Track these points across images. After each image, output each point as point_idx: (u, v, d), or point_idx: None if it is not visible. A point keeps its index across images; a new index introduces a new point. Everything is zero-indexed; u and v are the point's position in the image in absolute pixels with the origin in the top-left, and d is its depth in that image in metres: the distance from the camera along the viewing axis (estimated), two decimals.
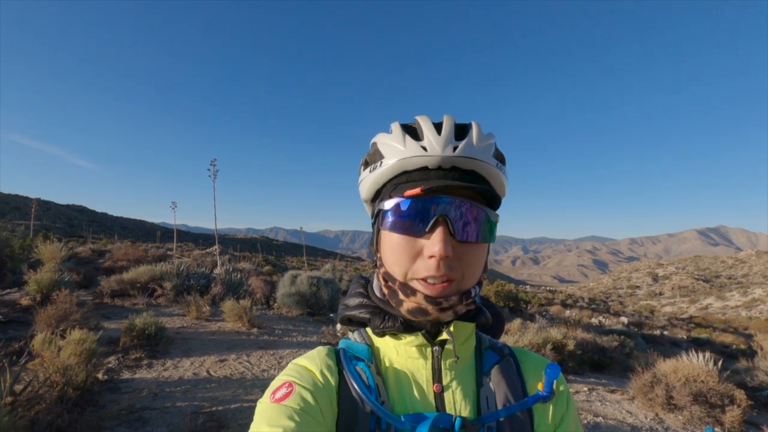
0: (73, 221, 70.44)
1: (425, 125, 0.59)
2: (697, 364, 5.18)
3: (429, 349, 0.62)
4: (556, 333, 6.89)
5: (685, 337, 17.60)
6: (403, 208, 0.56)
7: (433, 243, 0.54)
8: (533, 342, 6.45)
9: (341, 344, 0.69)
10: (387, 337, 0.64)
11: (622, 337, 11.51)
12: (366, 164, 0.65)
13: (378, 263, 0.63)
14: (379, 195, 0.64)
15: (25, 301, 6.44)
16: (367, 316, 0.64)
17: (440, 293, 0.55)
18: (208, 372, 4.59)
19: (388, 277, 0.60)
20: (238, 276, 10.16)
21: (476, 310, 0.65)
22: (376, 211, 0.63)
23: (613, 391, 5.54)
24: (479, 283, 0.61)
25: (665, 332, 19.10)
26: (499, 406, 0.61)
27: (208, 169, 18.20)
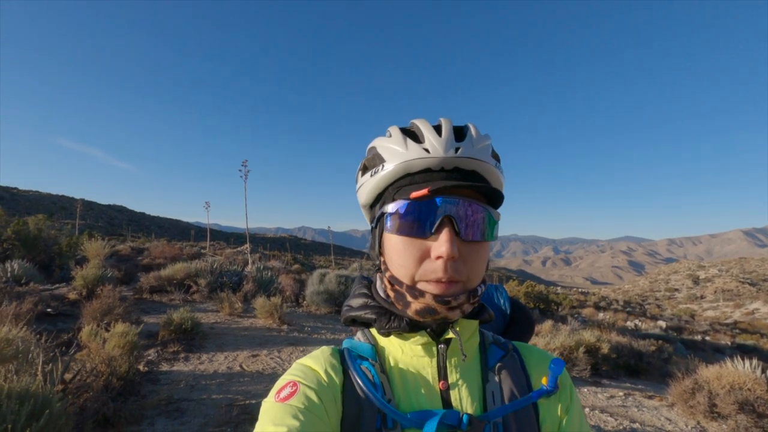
0: (114, 220, 74.03)
1: (425, 128, 0.60)
2: (743, 371, 4.91)
3: (434, 347, 0.62)
4: (589, 336, 6.69)
5: (729, 343, 16.71)
6: (409, 210, 0.56)
7: (440, 244, 0.54)
8: (565, 344, 6.29)
9: (345, 344, 0.69)
10: (392, 337, 0.64)
11: (660, 341, 11.06)
12: (365, 169, 0.65)
13: (382, 267, 0.63)
14: (379, 199, 0.64)
15: (72, 296, 6.83)
16: (373, 316, 0.63)
17: (448, 292, 0.55)
18: (241, 366, 4.74)
19: (393, 281, 0.59)
20: (269, 274, 10.40)
21: (479, 307, 0.65)
22: (377, 215, 0.63)
23: (650, 397, 5.32)
24: (483, 282, 0.61)
25: (707, 337, 18.20)
26: (505, 401, 0.61)
27: (240, 170, 18.73)
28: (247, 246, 22.53)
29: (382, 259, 0.63)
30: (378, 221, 0.63)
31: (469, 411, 0.59)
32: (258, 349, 5.41)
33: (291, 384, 0.58)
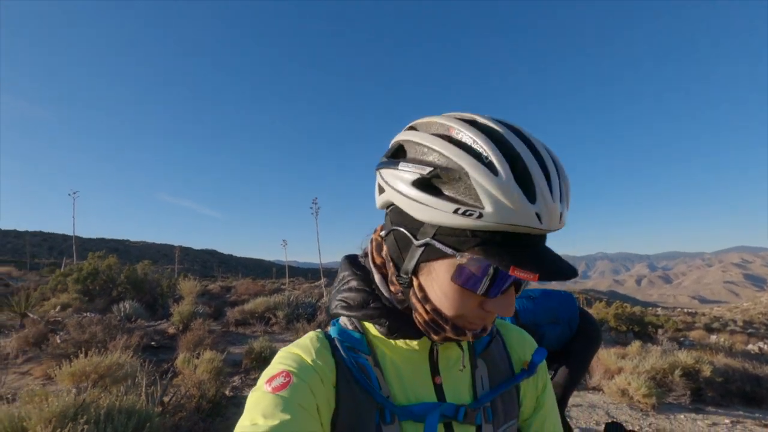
0: (206, 263, 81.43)
1: (540, 180, 0.47)
2: None
3: (430, 344, 0.62)
4: (686, 357, 5.99)
5: None
6: (491, 274, 0.49)
7: (505, 306, 0.53)
8: (657, 367, 5.69)
9: (333, 332, 0.65)
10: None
11: None
12: (437, 181, 0.50)
13: (418, 294, 0.55)
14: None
15: (171, 330, 7.69)
16: (383, 320, 0.59)
17: (484, 333, 0.58)
18: None
19: (438, 315, 0.54)
20: None
21: None
22: (425, 243, 0.52)
23: (766, 426, 4.60)
24: None
25: None
26: (492, 385, 0.65)
27: (311, 207, 19.85)
28: (322, 280, 23.52)
29: (417, 282, 0.56)
30: (426, 246, 0.52)
31: (462, 399, 0.62)
32: None
33: (284, 374, 0.55)
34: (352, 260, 0.69)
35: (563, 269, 0.47)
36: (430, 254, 0.52)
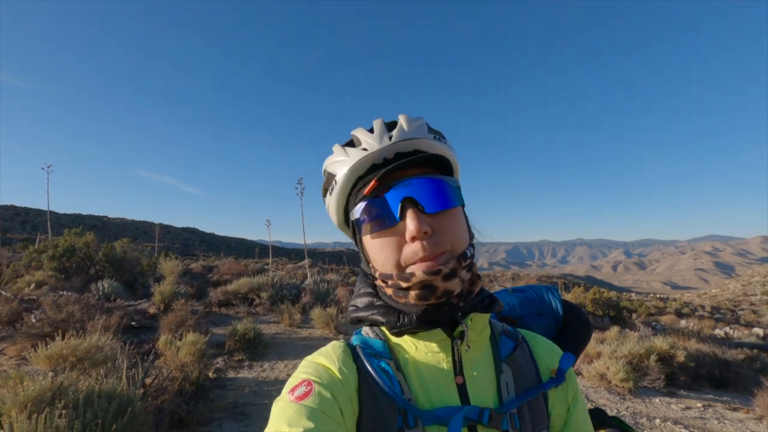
0: (188, 242, 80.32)
1: (360, 133, 0.63)
2: None
3: (449, 343, 0.62)
4: (661, 343, 6.19)
5: None
6: (368, 207, 0.59)
7: (408, 225, 0.55)
8: (634, 352, 5.88)
9: (355, 340, 0.68)
10: (405, 335, 0.63)
11: (755, 350, 9.90)
12: (325, 192, 0.67)
13: (372, 272, 0.64)
14: (348, 213, 0.66)
15: (152, 310, 7.54)
16: (381, 318, 0.62)
17: (436, 264, 0.55)
18: None
19: (385, 277, 0.60)
20: (326, 286, 10.76)
21: (489, 300, 0.64)
22: (352, 227, 0.66)
23: (735, 409, 4.80)
24: (472, 245, 0.63)
25: None
26: (518, 392, 0.62)
27: (296, 188, 19.63)
28: (306, 261, 23.44)
29: (370, 265, 0.64)
30: (354, 233, 0.66)
31: (486, 404, 0.60)
32: None
33: (305, 383, 0.57)
34: (366, 274, 0.73)
35: (402, 164, 0.57)
36: (360, 240, 0.65)
